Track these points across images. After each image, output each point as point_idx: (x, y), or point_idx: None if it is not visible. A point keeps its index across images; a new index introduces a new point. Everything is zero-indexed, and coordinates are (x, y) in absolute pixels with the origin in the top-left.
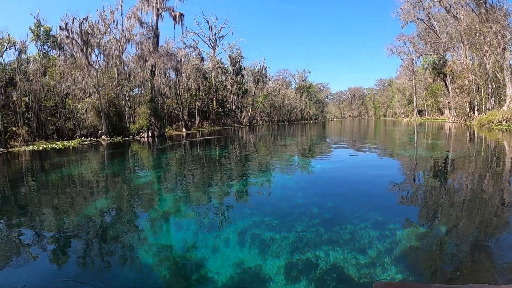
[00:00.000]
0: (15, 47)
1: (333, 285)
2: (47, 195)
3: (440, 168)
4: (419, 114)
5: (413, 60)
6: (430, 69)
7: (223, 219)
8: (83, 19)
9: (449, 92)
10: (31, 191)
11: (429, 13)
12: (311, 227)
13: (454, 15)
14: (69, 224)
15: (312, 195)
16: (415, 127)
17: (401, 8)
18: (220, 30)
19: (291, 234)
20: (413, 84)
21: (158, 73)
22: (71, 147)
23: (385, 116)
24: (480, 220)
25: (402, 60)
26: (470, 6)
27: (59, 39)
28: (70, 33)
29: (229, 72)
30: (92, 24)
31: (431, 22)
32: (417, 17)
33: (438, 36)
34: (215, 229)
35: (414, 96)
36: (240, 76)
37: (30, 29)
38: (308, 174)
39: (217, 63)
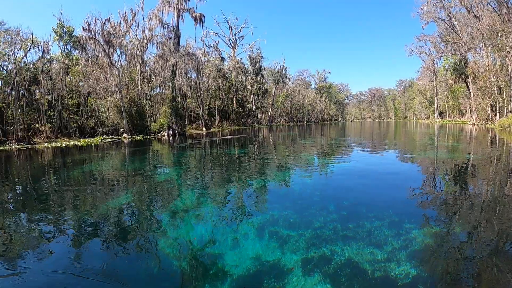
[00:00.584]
0: (38, 47)
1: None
2: (72, 189)
3: (459, 170)
4: (440, 116)
5: (434, 60)
6: (451, 70)
7: (242, 213)
8: (105, 20)
9: (470, 94)
10: (57, 185)
11: (450, 13)
12: (328, 223)
13: (475, 15)
14: (94, 216)
15: (329, 193)
16: (435, 129)
17: (421, 8)
18: (240, 30)
19: (308, 230)
20: (434, 85)
21: (179, 73)
22: (93, 145)
23: (405, 117)
24: (500, 224)
25: (423, 60)
26: (491, 6)
27: (81, 39)
28: (92, 33)
29: (249, 72)
30: (114, 25)
31: (452, 22)
32: (437, 17)
33: (459, 36)
34: (234, 223)
35: (435, 97)
36: (260, 76)
37: (53, 30)
38: (326, 174)
39: (237, 63)
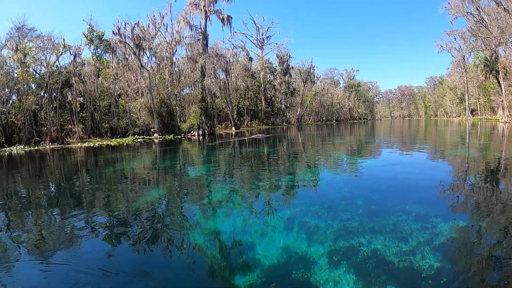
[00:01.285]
0: (70, 51)
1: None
2: (108, 186)
3: (490, 170)
4: (471, 113)
5: (464, 56)
6: (482, 65)
7: (272, 207)
8: (135, 24)
9: (502, 90)
10: (94, 182)
11: (478, 6)
12: (355, 216)
13: (504, 8)
14: (130, 210)
15: (357, 189)
16: (466, 127)
17: (448, 3)
18: (267, 30)
19: (335, 222)
20: (465, 82)
21: (208, 73)
22: (125, 144)
23: (436, 115)
24: None
25: (453, 56)
26: None
27: (111, 43)
28: (123, 37)
29: (277, 72)
30: (143, 28)
31: (481, 16)
32: (466, 11)
33: (489, 30)
34: (264, 215)
35: (466, 94)
36: (288, 75)
37: (84, 34)
38: (355, 171)
39: (265, 63)
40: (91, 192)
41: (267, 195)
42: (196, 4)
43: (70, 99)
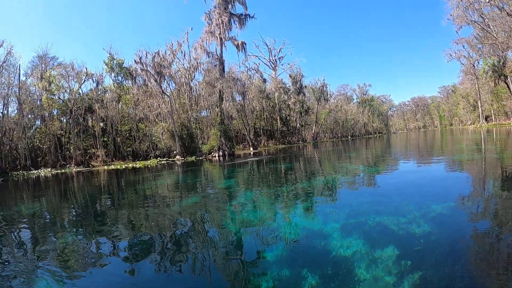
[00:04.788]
0: (92, 79)
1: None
2: (146, 198)
3: (492, 172)
4: (486, 120)
5: (473, 63)
6: (490, 71)
7: (298, 205)
8: (155, 53)
9: (511, 94)
10: (133, 197)
11: (482, 13)
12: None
13: (508, 13)
14: (168, 217)
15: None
16: (481, 134)
17: (451, 14)
18: (279, 51)
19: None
20: (477, 89)
21: (226, 97)
22: (149, 166)
23: (451, 124)
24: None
25: (462, 64)
26: None
27: (132, 71)
28: (144, 66)
29: (291, 91)
30: (163, 57)
31: (486, 23)
32: (470, 20)
33: (494, 36)
34: (282, 221)
35: (479, 101)
36: (302, 94)
37: (104, 62)
38: (370, 181)
39: (279, 83)
40: (136, 207)
41: (295, 198)
42: (212, 32)
43: (92, 124)
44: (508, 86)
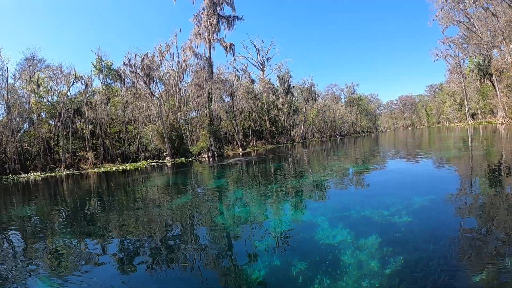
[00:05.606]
0: (81, 81)
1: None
2: (141, 199)
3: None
4: (473, 117)
5: (459, 62)
6: (476, 70)
7: (288, 197)
8: (144, 55)
9: (497, 93)
10: (124, 199)
11: (467, 14)
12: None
13: (492, 13)
14: (165, 214)
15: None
16: (467, 132)
17: (436, 15)
18: (267, 52)
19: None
20: (463, 88)
21: (215, 99)
22: (139, 168)
23: (438, 123)
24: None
25: (449, 63)
26: (506, 2)
27: (121, 72)
28: (133, 68)
29: (279, 92)
30: (152, 58)
31: (472, 23)
32: (456, 20)
33: (480, 36)
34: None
35: (465, 100)
36: (290, 94)
37: (93, 65)
38: (357, 178)
39: (267, 84)
40: (134, 205)
41: (287, 192)
42: (200, 34)
43: (81, 126)
44: (493, 85)
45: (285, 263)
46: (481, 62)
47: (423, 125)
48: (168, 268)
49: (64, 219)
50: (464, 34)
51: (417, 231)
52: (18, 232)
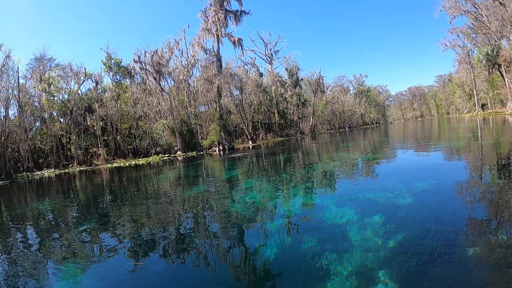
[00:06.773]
0: (91, 79)
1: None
2: (158, 190)
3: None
4: (482, 108)
5: (468, 52)
6: (484, 60)
7: (296, 185)
8: (153, 52)
9: (505, 83)
10: (144, 191)
11: (475, 3)
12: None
13: (500, 2)
14: (180, 199)
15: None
16: (477, 122)
17: (443, 6)
18: (275, 45)
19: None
20: (472, 78)
21: (224, 93)
22: (151, 163)
23: (448, 113)
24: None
25: (457, 53)
26: None
27: (131, 69)
28: (143, 64)
29: (288, 84)
30: (161, 55)
31: (480, 12)
32: (463, 10)
33: (488, 26)
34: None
35: (474, 90)
36: (298, 87)
37: (102, 62)
38: (365, 167)
39: (275, 77)
40: (163, 188)
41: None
42: (208, 29)
43: (92, 123)
44: (502, 75)
45: (296, 240)
46: (489, 52)
47: (433, 116)
48: (187, 249)
49: (78, 213)
50: (473, 24)
51: (418, 211)
52: (37, 226)
